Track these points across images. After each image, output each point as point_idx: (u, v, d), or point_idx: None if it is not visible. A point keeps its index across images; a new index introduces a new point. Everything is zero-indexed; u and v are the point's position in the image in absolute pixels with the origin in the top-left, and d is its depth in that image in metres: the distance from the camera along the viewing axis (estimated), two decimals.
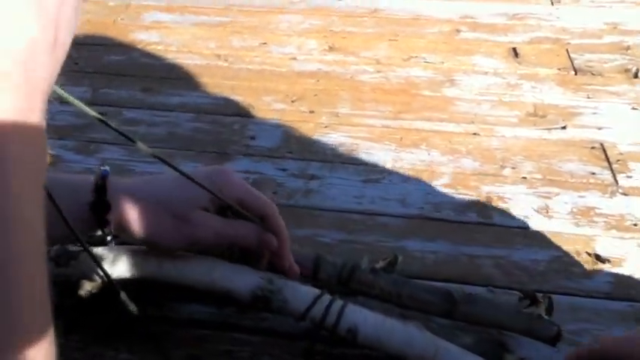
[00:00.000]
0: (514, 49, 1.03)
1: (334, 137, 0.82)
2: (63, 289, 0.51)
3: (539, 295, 0.53)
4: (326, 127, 0.84)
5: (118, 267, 0.49)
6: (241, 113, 0.87)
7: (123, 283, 0.51)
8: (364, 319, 0.48)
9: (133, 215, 0.48)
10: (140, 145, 0.47)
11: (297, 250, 0.56)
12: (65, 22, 0.26)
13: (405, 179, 0.74)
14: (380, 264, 0.55)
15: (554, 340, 0.50)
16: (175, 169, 0.47)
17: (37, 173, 0.26)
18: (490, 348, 0.49)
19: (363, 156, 0.78)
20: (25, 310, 0.24)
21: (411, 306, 0.54)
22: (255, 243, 0.49)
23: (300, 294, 0.49)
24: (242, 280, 0.49)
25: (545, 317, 0.52)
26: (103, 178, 0.48)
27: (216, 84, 0.94)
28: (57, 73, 0.27)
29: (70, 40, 0.27)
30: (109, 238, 0.49)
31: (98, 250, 0.50)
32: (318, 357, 0.51)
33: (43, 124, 0.27)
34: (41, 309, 0.25)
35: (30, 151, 0.25)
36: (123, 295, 0.46)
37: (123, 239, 0.51)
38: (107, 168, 0.49)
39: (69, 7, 0.26)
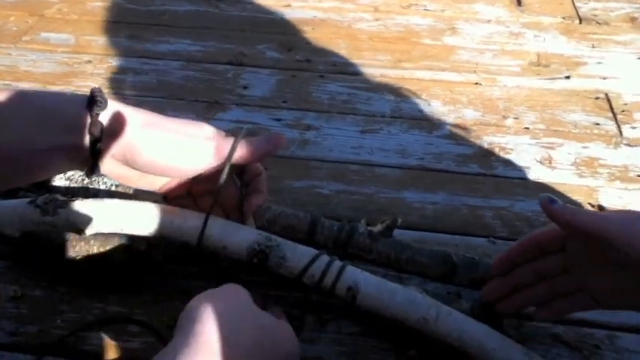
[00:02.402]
0: None
1: (331, 87, 0.79)
2: (49, 242, 0.50)
3: None
4: (322, 76, 0.81)
5: (113, 220, 0.47)
6: (234, 62, 0.83)
7: (113, 236, 0.49)
8: (365, 278, 0.47)
9: (143, 135, 0.41)
10: None
11: (293, 213, 0.54)
12: None
13: (405, 130, 0.72)
14: (378, 227, 0.53)
15: None
16: None
17: None
18: (489, 313, 0.48)
19: (361, 106, 0.76)
20: None
21: (409, 270, 0.52)
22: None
23: (299, 251, 0.47)
24: (239, 234, 0.47)
25: None
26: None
27: (207, 31, 0.89)
28: None
29: None
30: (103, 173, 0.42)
31: (88, 202, 0.48)
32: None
33: None
34: None
35: None
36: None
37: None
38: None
39: None
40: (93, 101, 0.39)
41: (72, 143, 0.39)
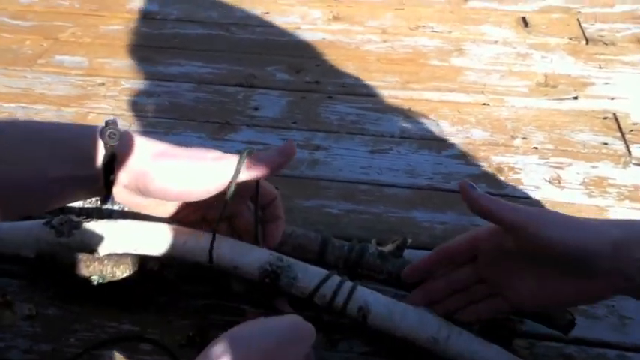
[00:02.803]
0: (523, 19, 1.00)
1: (340, 108, 0.80)
2: (62, 262, 0.50)
3: None
4: (331, 97, 0.82)
5: (126, 241, 0.48)
6: (244, 83, 0.84)
7: (126, 256, 0.49)
8: (376, 298, 0.47)
9: (155, 164, 0.42)
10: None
11: (303, 233, 0.54)
12: None
13: (414, 150, 0.72)
14: (389, 247, 0.54)
15: (566, 328, 0.48)
16: None
17: None
18: (499, 333, 0.48)
19: (370, 127, 0.76)
20: None
21: None
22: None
23: (310, 272, 0.48)
24: (251, 255, 0.47)
25: None
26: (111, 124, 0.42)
27: (218, 54, 0.91)
28: None
29: None
30: (115, 197, 0.42)
31: (102, 223, 0.49)
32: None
33: None
34: None
35: None
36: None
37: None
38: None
39: None
40: (106, 133, 0.40)
41: (85, 174, 0.40)
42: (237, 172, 0.43)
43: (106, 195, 0.42)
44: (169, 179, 0.42)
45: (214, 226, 0.46)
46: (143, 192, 0.42)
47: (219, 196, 0.44)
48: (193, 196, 0.44)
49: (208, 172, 0.43)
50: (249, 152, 0.44)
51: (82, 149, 0.40)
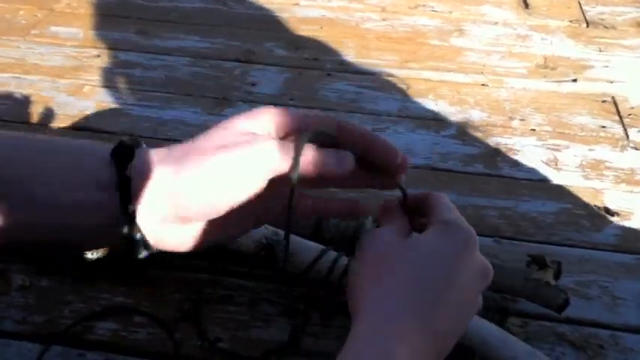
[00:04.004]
0: (524, 0, 0.99)
1: (338, 85, 0.79)
2: None
3: (549, 260, 0.52)
4: (329, 75, 0.81)
5: None
6: (242, 59, 0.83)
7: None
8: None
9: (184, 176, 0.33)
10: None
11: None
12: None
13: (411, 129, 0.72)
14: None
15: (560, 307, 0.48)
16: None
17: None
18: (493, 312, 0.48)
19: (368, 105, 0.76)
20: None
21: None
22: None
23: (306, 246, 0.47)
24: None
25: (553, 282, 0.50)
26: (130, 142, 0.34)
27: (216, 29, 0.90)
28: None
29: None
30: (138, 235, 0.33)
31: None
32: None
33: None
34: None
35: None
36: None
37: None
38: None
39: None
40: (119, 154, 0.33)
41: (97, 200, 0.32)
42: (298, 150, 0.34)
43: (130, 235, 0.33)
44: (210, 185, 0.33)
45: (288, 204, 0.36)
46: (184, 216, 0.34)
47: (276, 186, 0.35)
48: (248, 194, 0.34)
49: (254, 158, 0.34)
50: (311, 136, 0.35)
51: (91, 171, 0.33)
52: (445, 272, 0.34)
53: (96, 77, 0.79)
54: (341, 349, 0.32)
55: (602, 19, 0.95)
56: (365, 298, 0.34)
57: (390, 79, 0.81)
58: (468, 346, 0.45)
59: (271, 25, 0.91)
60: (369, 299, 0.34)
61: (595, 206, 0.62)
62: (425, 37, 0.89)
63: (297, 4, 0.96)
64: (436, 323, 0.33)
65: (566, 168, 0.67)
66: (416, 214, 0.40)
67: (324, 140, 0.36)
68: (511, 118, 0.74)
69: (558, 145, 0.70)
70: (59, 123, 0.71)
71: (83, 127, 0.70)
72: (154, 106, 0.74)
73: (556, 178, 0.66)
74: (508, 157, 0.68)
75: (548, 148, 0.70)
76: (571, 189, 0.64)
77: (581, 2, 0.99)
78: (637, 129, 0.73)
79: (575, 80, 0.81)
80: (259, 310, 0.50)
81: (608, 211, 0.62)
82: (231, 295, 0.51)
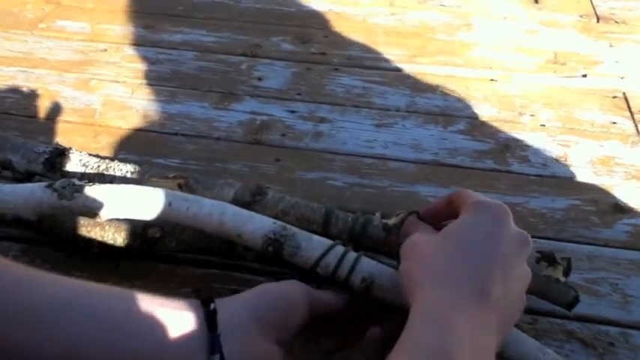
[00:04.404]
0: None
1: (346, 80, 0.79)
2: (64, 226, 0.50)
3: (559, 257, 0.51)
4: (337, 69, 0.81)
5: (129, 206, 0.47)
6: (248, 53, 0.83)
7: (128, 221, 0.49)
8: (380, 270, 0.46)
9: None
10: None
11: (307, 204, 0.54)
12: None
13: (419, 124, 0.71)
14: (393, 220, 0.53)
15: (570, 305, 0.48)
16: None
17: None
18: None
19: (376, 100, 0.75)
20: None
21: None
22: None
23: (314, 241, 0.47)
24: (254, 222, 0.47)
25: (563, 279, 0.50)
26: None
27: (223, 23, 0.89)
28: None
29: None
30: None
31: (105, 187, 0.48)
32: None
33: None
34: None
35: None
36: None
37: None
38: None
39: None
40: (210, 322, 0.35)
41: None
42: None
43: None
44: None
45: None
46: None
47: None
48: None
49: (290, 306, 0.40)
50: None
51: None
52: (484, 243, 0.36)
53: (102, 71, 0.78)
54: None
55: (613, 14, 0.94)
56: (415, 285, 0.36)
57: (398, 73, 0.80)
58: None
59: (278, 19, 0.91)
60: (419, 284, 0.35)
61: (605, 203, 0.61)
62: (433, 32, 0.89)
63: None
64: (487, 290, 0.34)
65: (576, 164, 0.66)
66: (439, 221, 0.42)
67: None
68: (521, 114, 0.73)
69: (568, 141, 0.69)
70: (65, 117, 0.71)
71: (89, 122, 0.70)
72: (160, 100, 0.74)
73: (566, 174, 0.65)
74: (517, 152, 0.68)
75: (558, 144, 0.69)
76: (581, 185, 0.63)
77: None
78: None
79: (585, 75, 0.80)
80: None
81: (618, 207, 0.61)
82: (237, 290, 0.51)
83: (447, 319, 0.32)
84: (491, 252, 0.35)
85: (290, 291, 0.42)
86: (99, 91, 0.75)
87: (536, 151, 0.68)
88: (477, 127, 0.71)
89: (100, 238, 0.50)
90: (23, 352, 0.32)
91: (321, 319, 0.42)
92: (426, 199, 0.62)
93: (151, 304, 0.36)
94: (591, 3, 0.96)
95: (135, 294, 0.36)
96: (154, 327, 0.35)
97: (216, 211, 0.47)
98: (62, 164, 0.54)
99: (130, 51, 0.83)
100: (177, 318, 0.36)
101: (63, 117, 0.71)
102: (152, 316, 0.35)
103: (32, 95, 0.74)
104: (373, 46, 0.85)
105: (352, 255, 0.47)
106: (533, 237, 0.56)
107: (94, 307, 0.35)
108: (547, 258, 0.51)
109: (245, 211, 0.47)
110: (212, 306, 0.37)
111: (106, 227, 0.50)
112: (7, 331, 0.31)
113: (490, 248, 0.35)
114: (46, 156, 0.53)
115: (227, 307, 0.37)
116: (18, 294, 0.33)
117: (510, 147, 0.68)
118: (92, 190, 0.47)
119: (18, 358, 0.32)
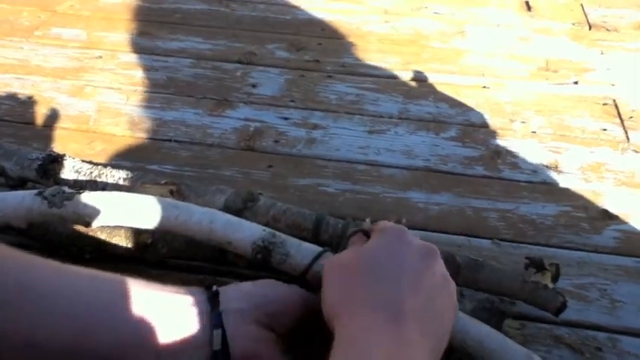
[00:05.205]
0: (527, 3, 0.99)
1: (339, 87, 0.79)
2: (55, 233, 0.50)
3: (547, 263, 0.51)
4: (330, 76, 0.81)
5: (119, 213, 0.47)
6: (243, 60, 0.84)
7: (119, 228, 0.49)
8: None
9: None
10: None
11: (298, 210, 0.54)
12: None
13: (412, 131, 0.72)
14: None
15: (558, 310, 0.48)
16: None
17: None
18: (491, 314, 0.48)
19: (369, 107, 0.76)
20: None
21: None
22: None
23: (304, 248, 0.47)
24: (244, 230, 0.47)
25: (551, 285, 0.50)
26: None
27: (218, 30, 0.90)
28: None
29: None
30: None
31: (95, 194, 0.48)
32: None
33: None
34: None
35: None
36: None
37: None
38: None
39: None
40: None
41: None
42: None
43: None
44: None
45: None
46: None
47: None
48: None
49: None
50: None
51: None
52: (388, 262, 0.37)
53: (97, 78, 0.79)
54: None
55: (605, 22, 0.95)
56: (333, 311, 0.36)
57: (391, 81, 0.81)
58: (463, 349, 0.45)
59: (273, 26, 0.92)
60: (336, 311, 0.36)
61: (595, 209, 0.62)
62: (427, 40, 0.89)
63: (299, 7, 0.97)
64: (399, 305, 0.34)
65: (566, 170, 0.67)
66: None
67: None
68: (512, 121, 0.74)
69: (559, 148, 0.70)
70: (60, 123, 0.71)
71: (84, 128, 0.71)
72: (155, 107, 0.74)
73: (556, 180, 0.65)
74: (508, 159, 0.68)
75: (549, 151, 0.69)
76: (571, 191, 0.64)
77: (583, 5, 0.99)
78: (638, 132, 0.72)
79: (576, 83, 0.81)
80: None
81: (608, 213, 0.61)
82: None
83: (362, 343, 0.33)
84: (396, 269, 0.36)
85: (288, 290, 0.42)
86: (94, 98, 0.76)
87: (527, 158, 0.68)
88: (468, 133, 0.72)
89: (92, 245, 0.50)
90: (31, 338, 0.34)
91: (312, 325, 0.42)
92: (417, 205, 0.62)
93: (160, 289, 0.39)
94: (583, 11, 0.97)
95: (141, 280, 0.39)
96: (161, 306, 0.38)
97: (206, 219, 0.47)
98: (55, 171, 0.54)
99: (125, 58, 0.83)
100: (181, 299, 0.39)
101: (58, 123, 0.72)
102: (159, 296, 0.38)
103: (28, 102, 0.75)
104: (367, 53, 0.86)
105: None
106: (523, 243, 0.58)
107: (95, 292, 0.38)
108: (535, 264, 0.51)
109: (235, 219, 0.48)
110: (214, 288, 0.39)
111: (97, 233, 0.50)
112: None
113: (395, 266, 0.37)
114: (39, 162, 0.54)
115: (229, 291, 0.40)
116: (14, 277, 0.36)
117: (501, 153, 0.69)
118: (82, 198, 0.47)
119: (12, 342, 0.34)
